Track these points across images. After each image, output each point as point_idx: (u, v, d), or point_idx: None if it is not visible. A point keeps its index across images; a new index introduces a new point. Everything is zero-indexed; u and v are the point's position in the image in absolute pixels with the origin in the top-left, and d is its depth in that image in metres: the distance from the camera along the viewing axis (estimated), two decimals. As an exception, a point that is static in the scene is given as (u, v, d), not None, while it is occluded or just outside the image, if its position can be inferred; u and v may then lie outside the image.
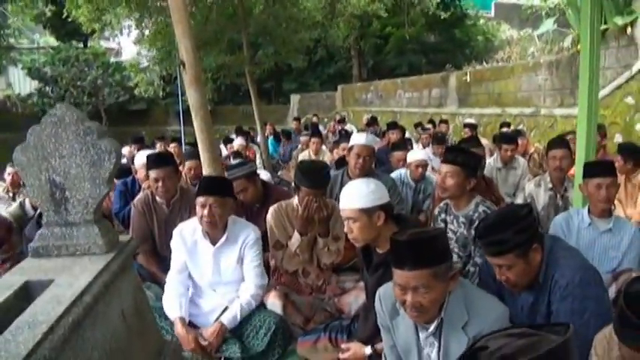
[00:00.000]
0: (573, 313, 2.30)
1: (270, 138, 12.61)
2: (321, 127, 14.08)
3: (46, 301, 1.72)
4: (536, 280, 2.47)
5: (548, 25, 11.22)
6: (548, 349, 1.27)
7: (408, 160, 5.81)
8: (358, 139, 4.60)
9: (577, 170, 4.06)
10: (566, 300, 2.35)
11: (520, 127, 10.20)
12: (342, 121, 14.75)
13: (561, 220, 3.60)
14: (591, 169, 3.50)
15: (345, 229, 2.73)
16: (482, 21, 25.06)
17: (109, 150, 2.02)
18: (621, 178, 5.59)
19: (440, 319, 2.17)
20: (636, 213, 5.24)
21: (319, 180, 3.60)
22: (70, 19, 10.23)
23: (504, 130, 8.39)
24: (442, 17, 16.37)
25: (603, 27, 8.33)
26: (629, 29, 7.90)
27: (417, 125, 11.36)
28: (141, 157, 5.15)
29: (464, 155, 3.60)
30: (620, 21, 7.94)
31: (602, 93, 8.23)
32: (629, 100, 7.69)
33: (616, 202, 5.65)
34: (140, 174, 5.18)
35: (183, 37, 4.60)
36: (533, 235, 2.39)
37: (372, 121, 12.30)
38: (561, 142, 4.97)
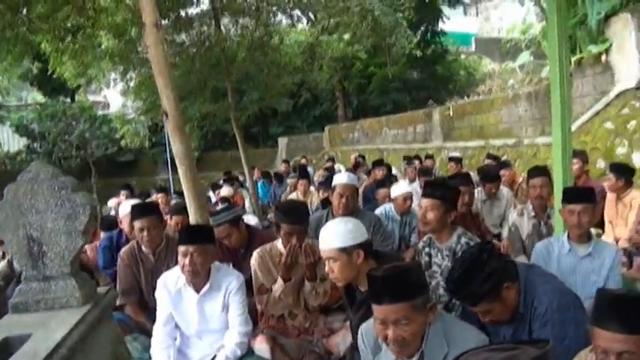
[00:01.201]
0: (554, 339, 2.30)
1: (261, 182, 12.65)
2: (310, 169, 14.16)
3: (22, 356, 1.73)
4: (517, 312, 2.50)
5: (525, 57, 11.49)
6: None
7: (393, 194, 5.86)
8: (340, 179, 4.67)
9: (556, 197, 4.11)
10: (546, 327, 2.39)
11: (504, 158, 10.33)
12: (332, 160, 14.88)
13: (542, 248, 3.63)
14: (566, 195, 3.55)
15: (326, 270, 2.76)
16: (463, 56, 25.49)
17: (83, 203, 2.06)
18: (612, 197, 5.68)
19: (421, 352, 2.19)
20: (625, 233, 5.28)
21: (297, 214, 3.64)
22: (55, 76, 10.35)
23: (488, 161, 8.48)
24: (423, 55, 16.69)
25: (578, 56, 8.55)
26: (603, 57, 8.09)
27: (406, 158, 11.45)
28: (125, 207, 5.17)
29: (443, 189, 3.65)
30: (594, 49, 8.14)
31: (582, 120, 8.39)
32: (609, 125, 7.83)
33: (606, 222, 5.73)
34: (124, 223, 5.18)
35: (165, 88, 4.66)
36: (501, 277, 2.42)
37: (360, 163, 12.43)
38: (540, 170, 5.05)
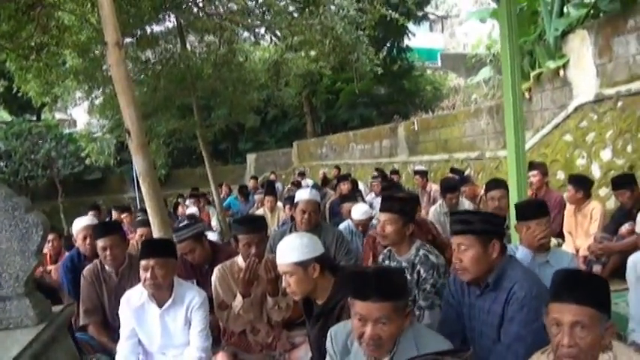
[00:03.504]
0: (527, 322, 2.51)
1: (232, 197, 12.62)
2: (279, 184, 14.18)
3: (-25, 376, 1.74)
4: (485, 279, 2.72)
5: (485, 72, 11.70)
6: None
7: (352, 215, 5.93)
8: (303, 195, 4.73)
9: (511, 211, 4.20)
10: (522, 310, 2.55)
11: (467, 171, 10.51)
12: (302, 175, 14.93)
13: None
14: (518, 212, 3.64)
15: (283, 284, 2.80)
16: (429, 72, 25.88)
17: (37, 223, 2.08)
18: (571, 208, 5.79)
19: (391, 355, 2.22)
20: (586, 243, 5.38)
21: (252, 224, 3.71)
22: (20, 94, 10.25)
23: (449, 175, 8.62)
24: (390, 70, 16.91)
25: (538, 71, 8.76)
26: (561, 72, 8.30)
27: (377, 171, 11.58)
28: (78, 224, 5.12)
29: (400, 202, 3.72)
30: (552, 65, 8.34)
31: (542, 132, 8.60)
32: (568, 137, 8.03)
33: (566, 233, 5.85)
34: (78, 239, 5.12)
35: (128, 107, 4.67)
36: (495, 232, 2.74)
37: (328, 178, 12.50)
38: (498, 183, 5.18)
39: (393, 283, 2.17)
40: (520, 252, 3.60)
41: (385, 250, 3.90)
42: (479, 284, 2.78)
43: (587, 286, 1.96)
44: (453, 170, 9.20)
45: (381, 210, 3.74)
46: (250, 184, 13.91)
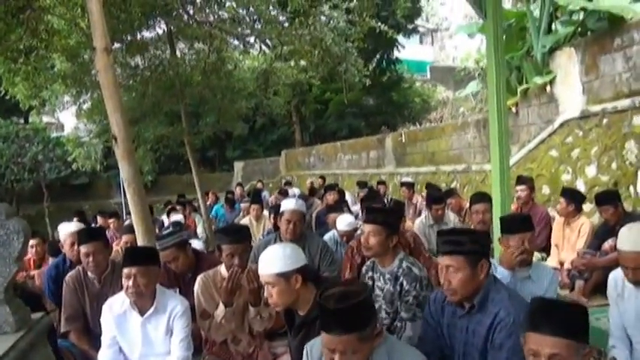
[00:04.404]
0: (515, 350, 2.42)
1: (218, 205, 12.59)
2: (266, 193, 14.16)
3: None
4: (471, 300, 2.69)
5: (473, 86, 11.79)
6: None
7: (337, 225, 5.93)
8: (288, 204, 4.73)
9: (494, 225, 4.24)
10: (511, 338, 2.51)
11: (454, 183, 10.58)
12: (289, 184, 14.92)
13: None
14: (503, 226, 3.66)
15: (265, 295, 2.80)
16: (418, 84, 26.04)
17: (17, 230, 2.06)
18: (560, 221, 5.82)
19: None
20: (570, 258, 5.42)
21: (236, 234, 3.70)
22: (8, 97, 10.19)
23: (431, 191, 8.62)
24: (379, 81, 17.02)
25: (525, 86, 8.85)
26: (548, 88, 8.39)
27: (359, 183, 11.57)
28: (65, 229, 5.10)
29: (384, 214, 3.73)
30: (539, 80, 8.43)
31: (528, 147, 8.68)
32: (553, 152, 8.10)
33: (553, 245, 5.89)
34: (66, 245, 5.09)
35: (115, 112, 4.65)
36: (483, 253, 2.70)
37: (315, 188, 12.50)
38: (483, 196, 5.21)
39: (356, 315, 2.12)
40: (499, 272, 3.61)
41: (369, 262, 3.90)
42: (463, 305, 2.75)
43: (564, 317, 1.96)
44: (429, 186, 9.14)
45: (365, 221, 3.74)
46: (237, 191, 13.89)
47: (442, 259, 2.72)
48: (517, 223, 3.61)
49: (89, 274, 4.21)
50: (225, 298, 3.50)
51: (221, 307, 3.52)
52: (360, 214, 7.21)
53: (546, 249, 5.96)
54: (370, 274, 3.82)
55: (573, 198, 5.69)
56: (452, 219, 6.58)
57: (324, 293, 2.26)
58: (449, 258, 2.68)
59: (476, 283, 2.67)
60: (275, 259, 2.73)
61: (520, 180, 6.29)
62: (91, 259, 4.10)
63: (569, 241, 5.72)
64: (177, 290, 4.04)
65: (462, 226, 6.57)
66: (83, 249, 4.14)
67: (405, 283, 3.49)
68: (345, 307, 2.11)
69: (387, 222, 3.64)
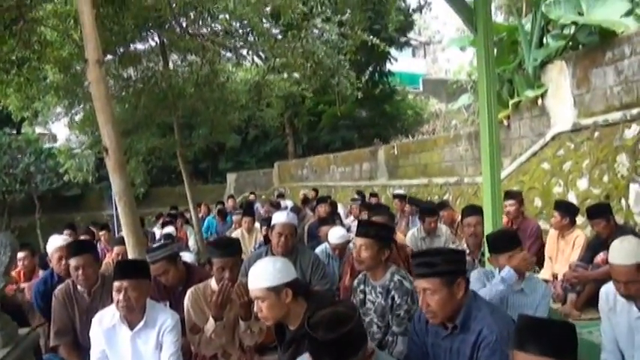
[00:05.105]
0: None
1: (210, 217, 12.54)
2: (258, 205, 14.11)
3: None
4: (453, 320, 2.65)
5: (464, 99, 11.84)
6: None
7: (328, 238, 5.92)
8: (279, 218, 4.70)
9: (486, 240, 4.22)
10: (495, 355, 2.49)
11: (446, 196, 10.58)
12: (282, 196, 14.90)
13: (481, 274, 3.74)
14: (491, 246, 3.68)
15: (255, 309, 2.78)
16: (411, 96, 26.12)
17: (4, 244, 2.04)
18: (554, 234, 5.83)
19: None
20: (564, 270, 5.42)
21: (227, 248, 3.68)
22: (0, 108, 10.15)
23: (408, 206, 8.62)
24: (372, 94, 17.07)
25: (517, 99, 8.89)
26: (539, 101, 8.44)
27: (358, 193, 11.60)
28: (53, 242, 5.05)
29: (376, 228, 3.73)
30: (531, 94, 8.48)
31: (520, 160, 8.70)
32: (545, 165, 8.12)
33: (547, 257, 5.89)
34: (53, 260, 5.02)
35: (106, 124, 4.63)
36: (458, 270, 2.65)
37: (308, 199, 12.49)
38: (474, 209, 5.20)
39: (347, 344, 2.06)
40: (505, 273, 3.54)
41: (360, 275, 3.89)
42: (445, 326, 2.72)
43: (552, 337, 1.93)
44: (411, 201, 9.01)
45: (357, 235, 3.74)
46: (229, 204, 13.85)
47: (418, 282, 2.67)
48: (504, 242, 3.62)
49: (79, 287, 4.17)
50: (216, 312, 3.46)
51: (211, 321, 3.48)
52: (352, 226, 7.18)
53: (538, 262, 5.95)
54: (362, 287, 3.81)
55: (567, 211, 5.70)
56: (444, 231, 6.57)
57: (311, 319, 2.17)
58: (424, 281, 2.62)
59: (455, 302, 2.63)
60: (265, 273, 2.71)
61: (508, 195, 6.26)
62: (80, 272, 4.06)
63: (563, 254, 5.73)
64: (168, 304, 4.01)
65: (455, 239, 6.57)
66: (73, 262, 4.10)
67: (396, 296, 3.48)
68: (335, 337, 2.04)
69: (379, 235, 3.63)
